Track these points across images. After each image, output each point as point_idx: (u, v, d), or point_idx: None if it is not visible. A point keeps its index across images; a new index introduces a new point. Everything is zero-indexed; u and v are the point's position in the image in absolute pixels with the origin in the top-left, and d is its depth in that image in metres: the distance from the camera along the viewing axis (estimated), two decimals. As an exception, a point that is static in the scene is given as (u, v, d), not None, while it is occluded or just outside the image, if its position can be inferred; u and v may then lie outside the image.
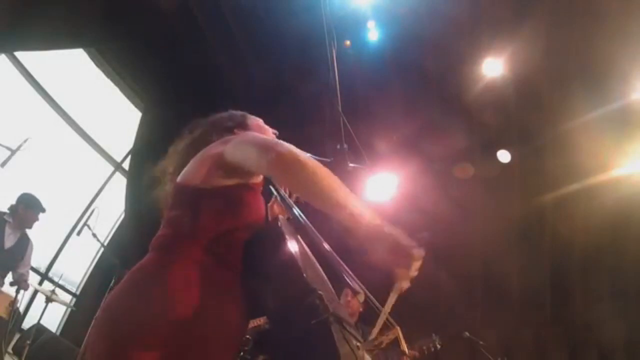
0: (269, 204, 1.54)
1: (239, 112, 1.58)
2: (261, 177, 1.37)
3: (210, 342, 1.08)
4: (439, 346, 3.71)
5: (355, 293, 3.58)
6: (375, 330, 1.09)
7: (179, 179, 1.29)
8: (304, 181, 1.08)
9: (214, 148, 1.29)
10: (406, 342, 1.13)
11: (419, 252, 1.00)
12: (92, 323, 1.13)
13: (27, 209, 4.08)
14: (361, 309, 3.70)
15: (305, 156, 1.11)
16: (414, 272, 1.01)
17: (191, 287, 1.09)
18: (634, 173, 5.08)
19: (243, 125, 1.51)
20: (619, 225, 5.33)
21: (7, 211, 4.06)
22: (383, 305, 1.12)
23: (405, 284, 1.03)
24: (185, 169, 1.30)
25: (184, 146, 1.44)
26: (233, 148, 1.22)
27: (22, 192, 4.16)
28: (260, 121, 1.59)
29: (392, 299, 1.08)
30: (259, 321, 1.98)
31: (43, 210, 4.17)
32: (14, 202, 4.09)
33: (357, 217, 1.02)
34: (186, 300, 1.07)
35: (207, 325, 1.07)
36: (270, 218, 1.48)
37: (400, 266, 1.00)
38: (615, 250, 5.51)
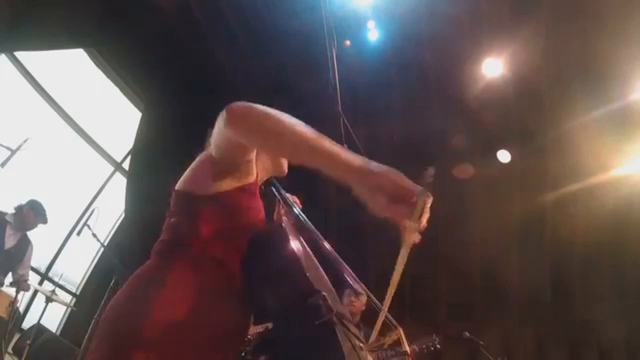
0: (276, 209, 1.53)
1: None
2: (256, 177, 1.36)
3: (207, 345, 1.08)
4: (438, 347, 3.71)
5: (357, 294, 3.57)
6: (376, 328, 1.07)
7: (177, 185, 1.29)
8: (271, 130, 1.00)
9: (206, 150, 1.28)
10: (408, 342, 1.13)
11: (425, 194, 0.82)
12: (97, 328, 1.14)
13: (32, 213, 4.09)
14: (363, 308, 3.69)
15: (263, 107, 1.01)
16: (423, 220, 0.84)
17: (188, 292, 1.10)
18: (634, 173, 5.08)
19: None
20: (619, 225, 5.34)
21: (14, 211, 4.07)
22: (385, 304, 1.10)
23: (415, 237, 0.85)
24: (184, 174, 1.30)
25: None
26: (212, 138, 1.19)
27: (24, 193, 4.19)
28: None
29: (402, 258, 0.88)
30: (263, 327, 1.96)
31: (45, 222, 4.19)
32: (22, 202, 4.10)
33: (341, 160, 0.89)
34: (182, 305, 1.07)
35: (204, 329, 1.08)
36: (274, 219, 1.48)
37: (405, 214, 0.83)
38: (615, 250, 5.51)
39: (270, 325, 1.13)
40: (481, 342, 4.33)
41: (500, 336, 5.55)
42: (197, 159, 1.30)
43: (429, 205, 0.82)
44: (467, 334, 4.38)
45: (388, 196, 0.83)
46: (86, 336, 3.58)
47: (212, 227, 1.19)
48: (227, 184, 1.23)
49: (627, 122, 4.93)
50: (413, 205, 0.82)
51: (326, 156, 0.91)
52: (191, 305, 1.07)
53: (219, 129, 1.11)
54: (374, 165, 0.88)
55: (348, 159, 0.90)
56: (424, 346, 3.69)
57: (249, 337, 1.31)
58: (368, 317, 3.72)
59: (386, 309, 1.03)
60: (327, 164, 0.91)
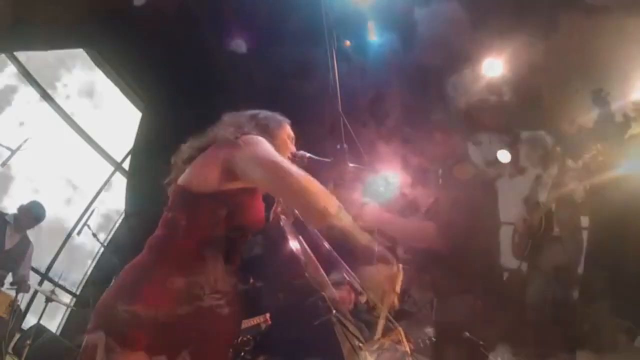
0: (273, 207, 1.53)
1: (267, 116, 1.47)
2: None
3: (195, 343, 1.09)
4: (434, 339, 3.64)
5: (357, 293, 3.55)
6: (379, 331, 1.09)
7: (180, 180, 1.29)
8: (313, 211, 1.16)
9: (221, 151, 1.26)
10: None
11: (398, 271, 1.18)
12: (90, 319, 1.16)
13: (27, 213, 4.10)
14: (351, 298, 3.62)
15: (318, 186, 1.18)
16: (397, 289, 1.19)
17: (180, 287, 1.10)
18: (633, 173, 5.07)
19: (265, 133, 1.38)
20: (619, 225, 5.33)
21: (16, 212, 4.08)
22: (383, 305, 1.13)
23: (393, 300, 1.19)
24: (188, 170, 1.29)
25: (197, 143, 1.37)
26: (245, 162, 1.20)
27: (24, 194, 4.21)
28: (289, 135, 1.52)
29: (383, 316, 1.20)
30: (258, 319, 1.97)
31: (40, 221, 4.21)
32: (24, 203, 4.11)
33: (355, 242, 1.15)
34: (167, 303, 1.08)
35: (190, 327, 1.09)
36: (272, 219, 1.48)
37: (385, 285, 1.18)
38: (615, 250, 5.50)
39: (264, 317, 1.17)
40: (481, 342, 4.31)
41: (500, 336, 5.53)
42: (205, 156, 1.29)
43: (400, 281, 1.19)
44: (467, 334, 4.36)
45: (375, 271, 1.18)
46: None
47: (209, 224, 1.19)
48: (232, 184, 1.23)
49: (627, 122, 4.92)
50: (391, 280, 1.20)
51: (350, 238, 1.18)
52: (176, 303, 1.08)
53: (264, 179, 1.22)
54: (369, 245, 1.17)
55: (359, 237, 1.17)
56: (419, 340, 3.59)
57: (248, 337, 1.31)
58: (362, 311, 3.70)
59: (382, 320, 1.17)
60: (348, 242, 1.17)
